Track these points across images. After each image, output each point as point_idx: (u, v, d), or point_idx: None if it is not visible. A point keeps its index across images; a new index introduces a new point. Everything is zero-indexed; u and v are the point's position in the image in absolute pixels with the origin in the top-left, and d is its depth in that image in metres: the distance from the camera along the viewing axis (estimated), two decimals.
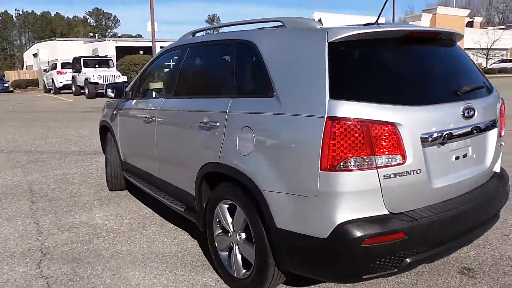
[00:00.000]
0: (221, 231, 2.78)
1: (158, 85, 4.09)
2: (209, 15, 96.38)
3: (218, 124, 2.66)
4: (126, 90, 4.12)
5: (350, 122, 1.96)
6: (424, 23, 41.10)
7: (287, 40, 2.44)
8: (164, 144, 3.40)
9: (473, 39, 39.98)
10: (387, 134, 2.00)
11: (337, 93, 2.03)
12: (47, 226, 3.77)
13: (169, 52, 3.75)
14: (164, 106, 3.43)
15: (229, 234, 2.68)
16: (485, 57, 41.13)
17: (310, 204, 2.06)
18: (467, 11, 47.15)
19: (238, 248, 2.62)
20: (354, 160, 1.97)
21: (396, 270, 2.07)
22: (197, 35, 3.55)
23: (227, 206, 2.67)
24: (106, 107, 4.80)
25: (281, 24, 2.60)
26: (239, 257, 2.61)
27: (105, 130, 4.80)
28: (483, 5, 72.38)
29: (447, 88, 2.43)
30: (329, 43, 2.12)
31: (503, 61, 41.92)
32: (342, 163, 1.96)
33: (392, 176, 2.02)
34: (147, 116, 3.61)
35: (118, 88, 4.13)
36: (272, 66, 2.37)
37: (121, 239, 3.47)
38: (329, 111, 1.99)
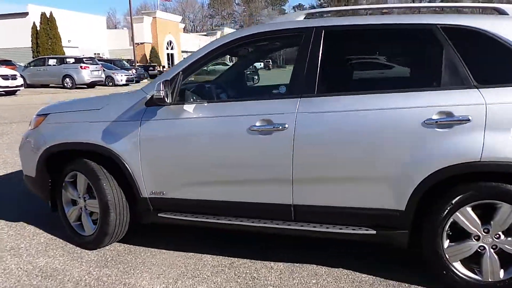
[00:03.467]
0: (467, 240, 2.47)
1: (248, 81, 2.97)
2: None
3: (470, 118, 2.34)
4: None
5: None
6: (146, 26, 42.70)
7: None
8: (324, 157, 2.60)
9: (193, 43, 44.61)
10: None
11: None
12: None
13: (266, 38, 2.82)
14: (312, 107, 2.60)
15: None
16: None
17: None
18: (180, 17, 52.03)
19: None
20: None
21: None
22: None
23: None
24: (85, 121, 3.08)
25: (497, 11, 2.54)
26: None
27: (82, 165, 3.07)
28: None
29: None
30: None
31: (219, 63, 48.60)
32: None
33: None
34: (260, 125, 2.64)
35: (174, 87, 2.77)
36: None
37: None
38: None
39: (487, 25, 2.44)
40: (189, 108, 2.81)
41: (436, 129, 2.38)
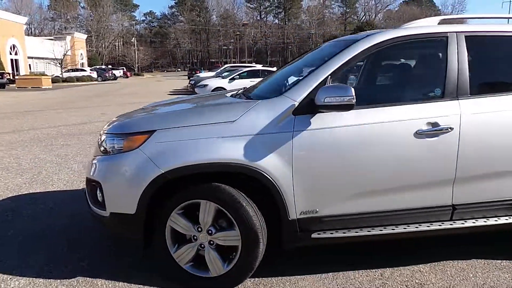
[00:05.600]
0: None
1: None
2: None
3: None
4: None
5: None
6: None
7: None
8: (486, 156, 2.69)
9: (46, 48, 39.44)
10: None
11: None
12: None
13: (408, 42, 2.75)
14: (472, 108, 2.67)
15: None
16: (60, 66, 41.63)
17: None
18: (25, 18, 45.37)
19: None
20: None
21: None
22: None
23: None
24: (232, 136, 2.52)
25: None
26: None
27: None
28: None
29: None
30: None
31: (73, 70, 44.01)
32: None
33: None
34: (427, 129, 2.60)
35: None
36: None
37: None
38: None
39: None
40: (350, 114, 2.56)
41: None
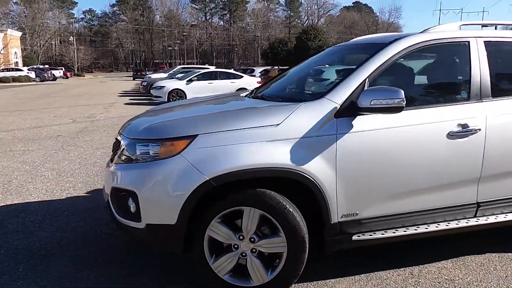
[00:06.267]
0: None
1: None
2: None
3: None
4: None
5: None
6: None
7: None
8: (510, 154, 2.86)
9: None
10: None
11: None
12: None
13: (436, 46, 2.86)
14: (495, 109, 2.85)
15: None
16: None
17: None
18: None
19: None
20: None
21: None
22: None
23: None
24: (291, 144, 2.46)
25: None
26: None
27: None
28: None
29: None
30: None
31: (8, 69, 40.88)
32: None
33: None
34: (458, 130, 2.73)
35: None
36: None
37: None
38: None
39: None
40: (389, 116, 2.59)
41: None
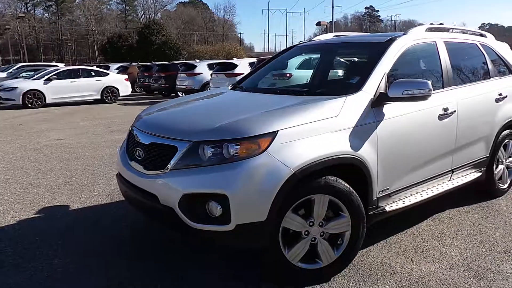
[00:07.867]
0: None
1: None
2: None
3: None
4: None
5: None
6: None
7: None
8: (472, 127, 3.79)
9: None
10: None
11: None
12: None
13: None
14: (461, 94, 3.69)
15: None
16: None
17: None
18: None
19: None
20: None
21: None
22: None
23: None
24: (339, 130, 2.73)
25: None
26: None
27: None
28: None
29: None
30: None
31: None
32: None
33: None
34: (443, 113, 3.44)
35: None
36: None
37: None
38: None
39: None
40: (406, 104, 3.09)
41: None
